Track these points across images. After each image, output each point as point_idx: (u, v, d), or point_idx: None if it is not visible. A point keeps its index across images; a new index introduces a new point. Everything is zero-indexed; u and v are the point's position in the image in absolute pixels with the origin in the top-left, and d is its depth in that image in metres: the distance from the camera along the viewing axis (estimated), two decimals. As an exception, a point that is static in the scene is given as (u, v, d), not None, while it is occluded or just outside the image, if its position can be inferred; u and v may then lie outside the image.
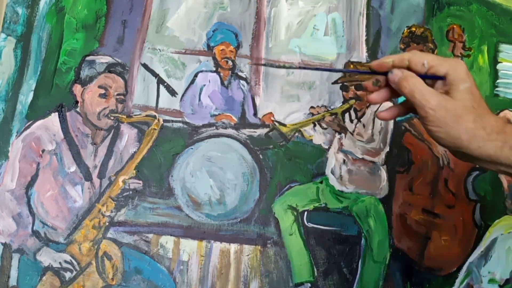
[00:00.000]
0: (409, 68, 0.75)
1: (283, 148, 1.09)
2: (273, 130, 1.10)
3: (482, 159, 0.71)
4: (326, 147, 1.12)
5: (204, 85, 1.12)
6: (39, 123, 1.04)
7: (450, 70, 0.72)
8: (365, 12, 1.18)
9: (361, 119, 1.13)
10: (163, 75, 1.11)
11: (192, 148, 1.08)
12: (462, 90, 0.71)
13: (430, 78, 0.74)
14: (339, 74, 1.15)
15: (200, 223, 1.05)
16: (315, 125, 1.11)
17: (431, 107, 0.71)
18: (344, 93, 1.14)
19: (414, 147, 1.12)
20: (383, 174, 1.11)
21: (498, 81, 1.15)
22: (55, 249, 1.01)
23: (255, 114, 1.11)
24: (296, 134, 1.10)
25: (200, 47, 1.13)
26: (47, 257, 1.00)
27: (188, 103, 1.11)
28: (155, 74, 1.11)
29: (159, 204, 1.05)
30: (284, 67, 1.07)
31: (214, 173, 1.08)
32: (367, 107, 1.13)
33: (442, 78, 0.73)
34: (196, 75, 1.12)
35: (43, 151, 1.03)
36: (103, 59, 1.09)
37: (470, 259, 1.07)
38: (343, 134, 1.10)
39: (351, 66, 1.14)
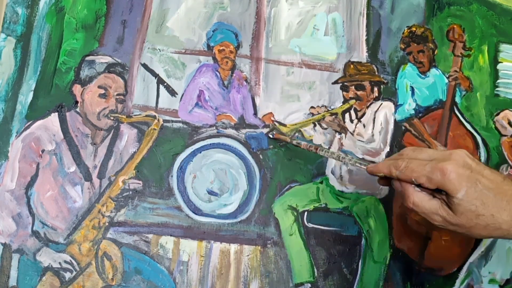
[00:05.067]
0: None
1: (283, 148, 1.09)
2: (273, 130, 1.10)
3: None
4: (326, 147, 1.12)
5: (204, 85, 1.12)
6: (38, 123, 1.04)
7: (440, 183, 0.67)
8: (365, 12, 1.17)
9: (361, 119, 1.13)
10: (163, 75, 1.11)
11: (192, 149, 1.08)
12: (460, 203, 0.66)
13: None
14: (340, 74, 1.15)
15: (200, 223, 1.05)
16: (315, 125, 1.11)
17: (438, 224, 0.70)
18: (344, 93, 1.14)
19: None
20: (383, 174, 1.11)
21: (498, 81, 1.15)
22: (55, 250, 1.00)
23: (255, 114, 1.11)
24: (296, 134, 1.10)
25: (200, 47, 1.13)
26: (47, 258, 1.00)
27: (187, 103, 1.11)
28: (155, 74, 1.11)
29: (159, 204, 1.05)
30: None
31: (214, 173, 1.07)
32: (367, 107, 1.13)
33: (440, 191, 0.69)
34: (198, 69, 1.12)
35: (42, 151, 1.03)
36: (103, 59, 1.09)
37: (471, 259, 1.07)
38: (343, 134, 1.10)
39: (351, 66, 1.14)
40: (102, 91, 1.06)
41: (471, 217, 0.67)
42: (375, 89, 1.14)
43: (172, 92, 1.11)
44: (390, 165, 0.72)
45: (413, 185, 0.70)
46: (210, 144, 1.09)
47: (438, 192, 0.69)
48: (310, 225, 1.07)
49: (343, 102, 1.13)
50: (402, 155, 0.74)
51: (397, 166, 0.70)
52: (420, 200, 0.69)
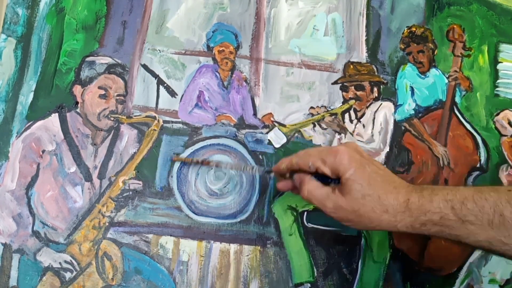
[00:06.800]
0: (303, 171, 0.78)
1: (283, 148, 1.09)
2: (273, 130, 1.10)
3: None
4: (327, 144, 1.12)
5: (204, 85, 1.12)
6: (39, 123, 1.04)
7: (333, 166, 0.72)
8: (365, 12, 1.18)
9: (361, 119, 1.13)
10: (163, 76, 1.11)
11: (192, 149, 1.08)
12: (347, 182, 0.70)
13: (326, 181, 0.75)
14: (339, 74, 1.15)
15: (200, 223, 1.05)
16: (314, 126, 1.11)
17: (330, 211, 0.73)
18: (344, 93, 1.14)
19: (414, 147, 1.12)
20: (383, 174, 1.11)
21: (498, 81, 1.15)
22: (55, 250, 1.01)
23: (254, 114, 1.11)
24: (296, 134, 1.10)
25: (200, 48, 1.14)
26: (47, 258, 1.00)
27: (187, 104, 1.11)
28: (155, 75, 1.11)
29: (159, 204, 1.05)
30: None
31: (214, 174, 1.08)
32: (367, 108, 1.13)
33: (332, 179, 0.74)
34: (198, 70, 1.12)
35: (43, 151, 1.03)
36: (103, 60, 1.09)
37: (471, 259, 1.07)
38: (343, 135, 1.10)
39: (351, 66, 1.14)
40: (102, 92, 1.06)
41: (357, 197, 0.70)
42: (375, 89, 1.14)
43: (172, 93, 1.12)
44: (291, 157, 0.79)
45: (309, 175, 0.76)
46: (210, 144, 1.09)
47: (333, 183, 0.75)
48: (310, 225, 1.07)
49: (343, 103, 1.13)
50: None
51: (297, 154, 0.79)
52: (313, 188, 0.74)
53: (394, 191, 0.70)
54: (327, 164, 0.72)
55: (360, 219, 0.71)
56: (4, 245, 1.01)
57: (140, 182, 1.05)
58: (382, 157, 1.11)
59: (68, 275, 1.00)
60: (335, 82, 1.14)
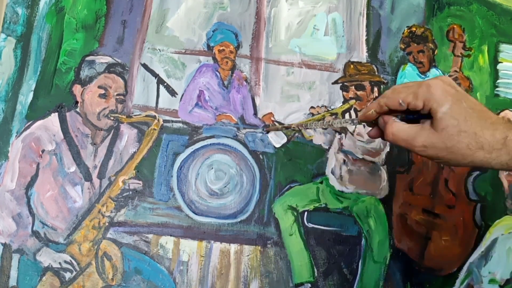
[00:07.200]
0: (392, 111, 0.72)
1: (283, 148, 1.09)
2: (268, 127, 1.10)
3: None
4: (326, 147, 1.12)
5: (204, 85, 1.12)
6: (38, 123, 1.04)
7: (426, 99, 0.67)
8: (365, 12, 1.17)
9: (361, 119, 1.13)
10: (163, 75, 1.11)
11: (192, 149, 1.08)
12: (443, 117, 0.66)
13: (413, 117, 0.70)
14: (340, 74, 1.15)
15: (200, 223, 1.05)
16: (315, 125, 1.11)
17: (419, 149, 0.69)
18: (344, 93, 1.14)
19: (414, 147, 1.12)
20: (383, 174, 1.11)
21: (498, 81, 1.15)
22: (55, 250, 1.00)
23: (255, 114, 1.11)
24: (296, 134, 1.10)
25: (200, 47, 1.13)
26: (47, 258, 1.00)
27: (187, 103, 1.11)
28: (155, 74, 1.11)
29: (159, 204, 1.05)
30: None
31: (214, 173, 1.07)
32: (367, 107, 1.13)
33: (423, 115, 0.69)
34: (198, 69, 1.12)
35: (43, 151, 1.03)
36: (103, 59, 1.09)
37: (471, 259, 1.07)
38: (343, 134, 1.10)
39: (351, 66, 1.14)
40: (102, 91, 1.06)
41: (452, 133, 0.66)
42: (375, 89, 1.14)
43: (172, 92, 1.11)
44: (379, 99, 0.72)
45: (392, 117, 0.71)
46: (210, 144, 1.09)
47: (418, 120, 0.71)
48: (310, 225, 1.07)
49: (343, 102, 1.13)
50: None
51: (384, 95, 0.72)
52: (398, 128, 0.70)
53: (491, 127, 0.65)
54: (419, 97, 0.66)
55: (453, 155, 0.67)
56: (4, 245, 1.01)
57: (140, 182, 1.05)
58: (382, 157, 1.11)
59: (68, 275, 1.00)
60: (336, 82, 1.14)
